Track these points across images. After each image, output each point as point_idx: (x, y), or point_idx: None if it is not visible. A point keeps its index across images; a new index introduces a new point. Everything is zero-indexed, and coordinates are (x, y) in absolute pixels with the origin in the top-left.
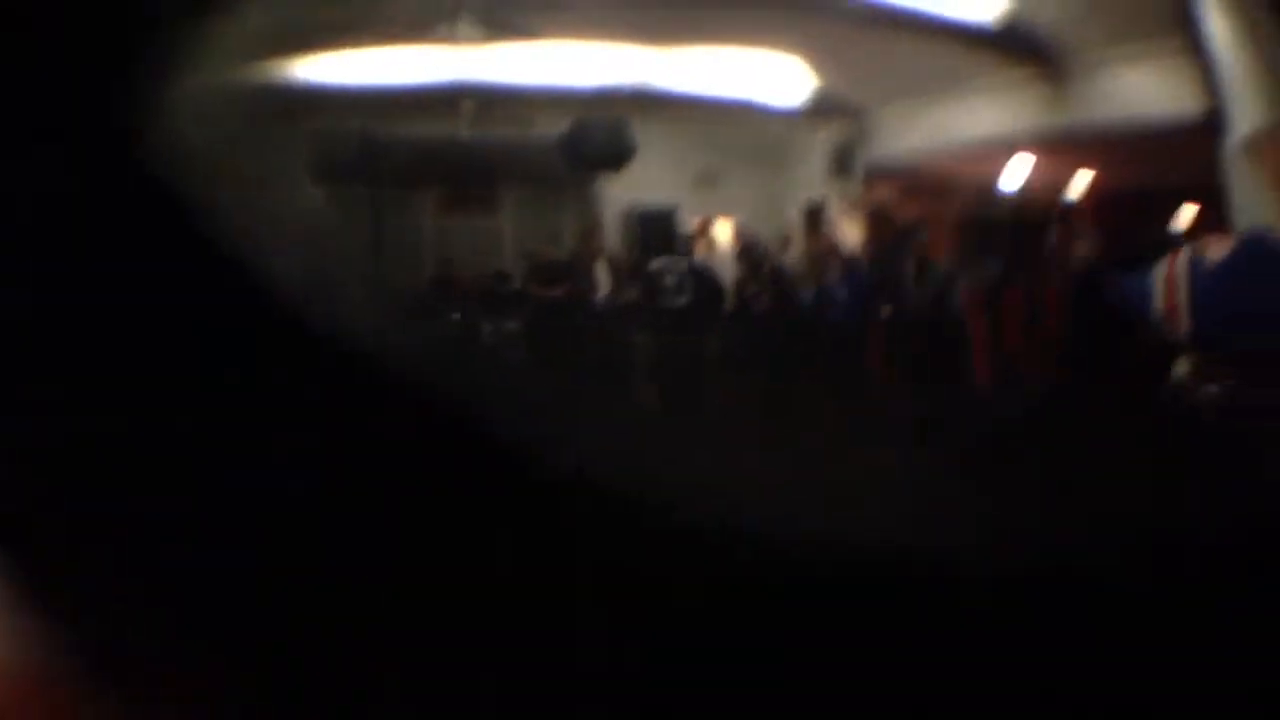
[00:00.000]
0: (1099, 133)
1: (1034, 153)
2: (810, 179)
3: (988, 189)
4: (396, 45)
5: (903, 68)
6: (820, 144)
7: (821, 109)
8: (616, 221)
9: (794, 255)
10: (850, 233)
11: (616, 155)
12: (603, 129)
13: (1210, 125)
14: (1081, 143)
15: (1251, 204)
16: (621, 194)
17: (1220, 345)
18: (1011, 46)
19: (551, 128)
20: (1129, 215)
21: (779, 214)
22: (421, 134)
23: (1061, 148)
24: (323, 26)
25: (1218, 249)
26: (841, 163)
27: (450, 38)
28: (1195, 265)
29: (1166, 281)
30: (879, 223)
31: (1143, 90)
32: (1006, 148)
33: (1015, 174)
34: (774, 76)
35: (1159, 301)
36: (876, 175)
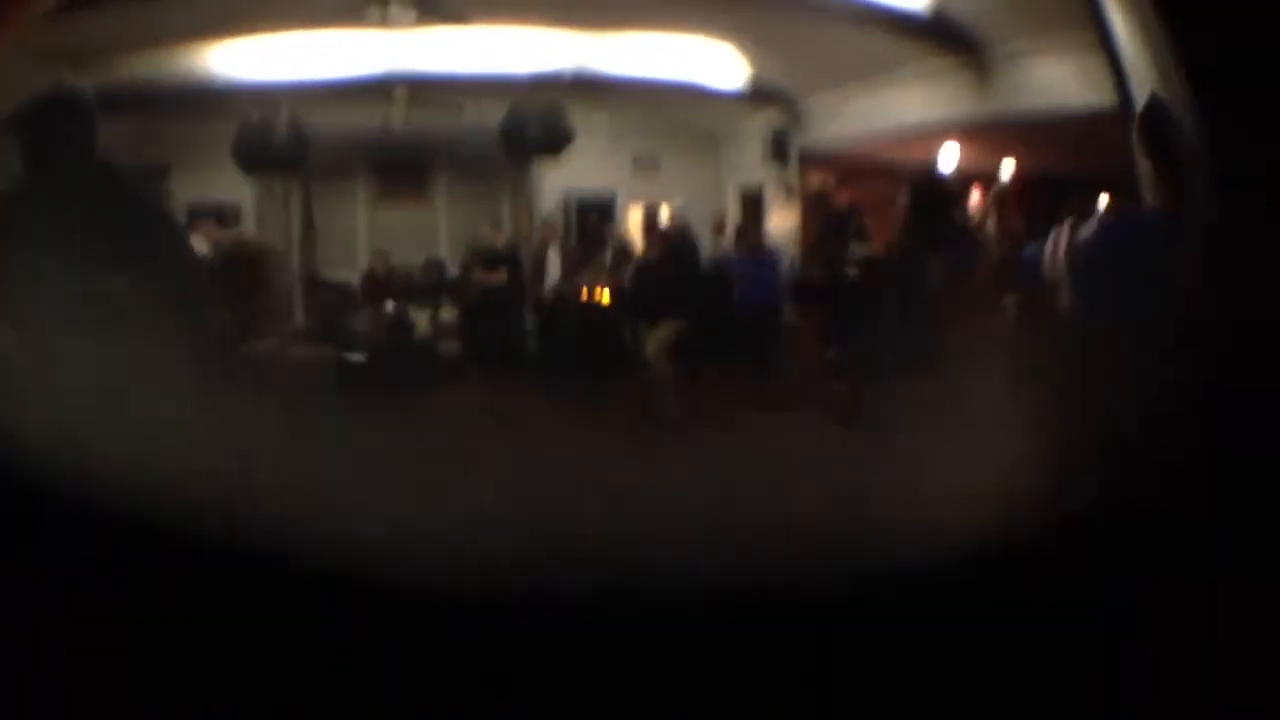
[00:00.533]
0: (1020, 120)
1: (961, 139)
2: (747, 164)
3: (925, 175)
4: (325, 30)
5: (834, 54)
6: (756, 130)
7: (756, 95)
8: (554, 208)
9: (728, 239)
10: (787, 217)
11: (554, 141)
12: (539, 115)
13: (1120, 115)
14: (1005, 130)
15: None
16: (559, 180)
17: (1095, 313)
18: (937, 35)
19: (486, 115)
20: (1049, 200)
21: (716, 199)
22: (352, 123)
23: (986, 134)
24: (247, 12)
25: (1092, 222)
26: (777, 148)
27: (381, 22)
28: (1075, 237)
29: (1051, 254)
30: (817, 207)
31: (1059, 81)
32: (936, 134)
33: (945, 160)
34: (709, 63)
35: (1048, 273)
36: (812, 161)
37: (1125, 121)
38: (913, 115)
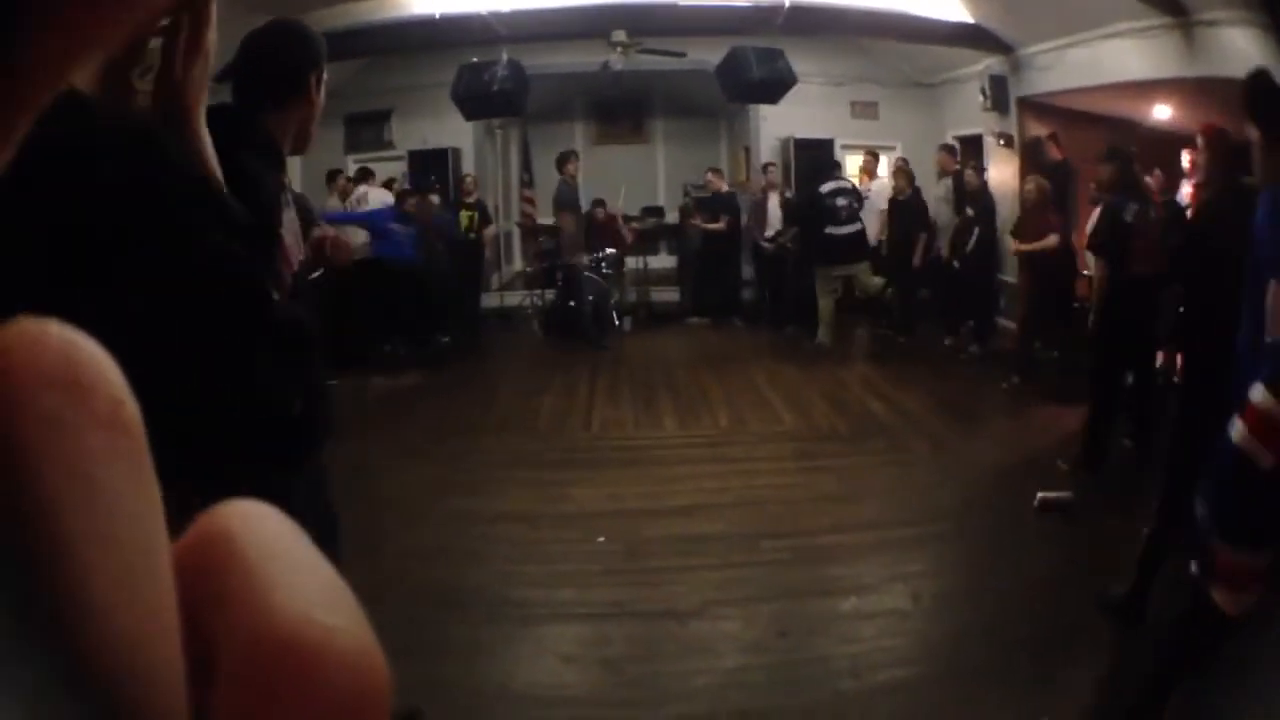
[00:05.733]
0: (1223, 83)
1: (1169, 96)
2: (965, 112)
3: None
4: None
5: (1052, 7)
6: (975, 78)
7: (977, 43)
8: (773, 152)
9: (945, 185)
10: (1006, 165)
11: (773, 85)
12: (759, 58)
13: None
14: (1208, 91)
15: None
16: (777, 124)
17: None
18: None
19: (706, 56)
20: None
21: (934, 146)
22: (572, 65)
23: (1192, 94)
24: None
25: None
26: (995, 97)
27: None
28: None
29: None
30: (1035, 156)
31: (1250, 50)
32: (1149, 91)
33: (1154, 116)
34: (930, 10)
35: None
36: (1029, 110)
37: None
38: (1129, 71)
